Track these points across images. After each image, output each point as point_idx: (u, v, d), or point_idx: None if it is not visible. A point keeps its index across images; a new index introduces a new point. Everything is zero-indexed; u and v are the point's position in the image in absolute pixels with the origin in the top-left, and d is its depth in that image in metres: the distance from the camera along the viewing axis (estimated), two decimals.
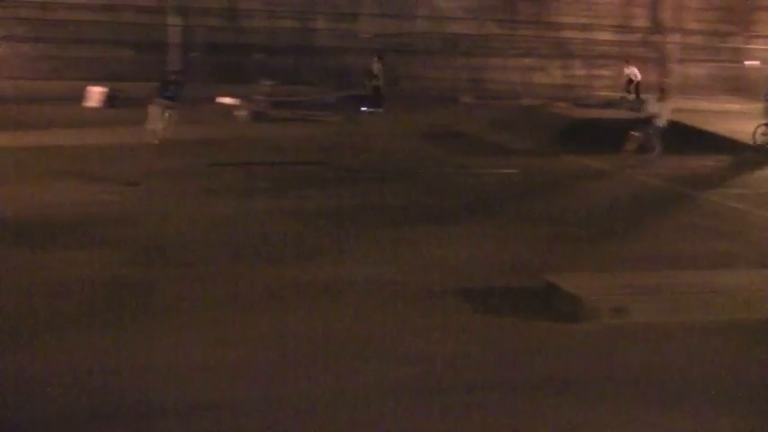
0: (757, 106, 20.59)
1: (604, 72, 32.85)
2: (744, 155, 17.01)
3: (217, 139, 17.18)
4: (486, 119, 21.11)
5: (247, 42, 34.51)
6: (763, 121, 18.11)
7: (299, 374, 5.25)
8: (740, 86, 32.17)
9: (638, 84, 26.43)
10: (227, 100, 23.08)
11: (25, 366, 5.13)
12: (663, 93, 17.51)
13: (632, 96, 25.51)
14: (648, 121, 16.11)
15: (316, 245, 8.74)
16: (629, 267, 8.17)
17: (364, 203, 11.08)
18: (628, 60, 27.91)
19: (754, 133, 17.94)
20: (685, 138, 16.94)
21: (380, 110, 23.90)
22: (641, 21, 33.97)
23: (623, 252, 8.91)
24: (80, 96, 24.28)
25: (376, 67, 25.02)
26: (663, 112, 16.26)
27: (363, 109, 23.99)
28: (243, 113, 21.33)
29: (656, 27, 33.68)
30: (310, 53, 34.58)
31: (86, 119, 20.49)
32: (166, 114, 16.19)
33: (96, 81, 25.67)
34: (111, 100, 24.06)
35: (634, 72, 26.89)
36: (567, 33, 33.20)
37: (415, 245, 8.86)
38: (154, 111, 16.32)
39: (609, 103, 25.19)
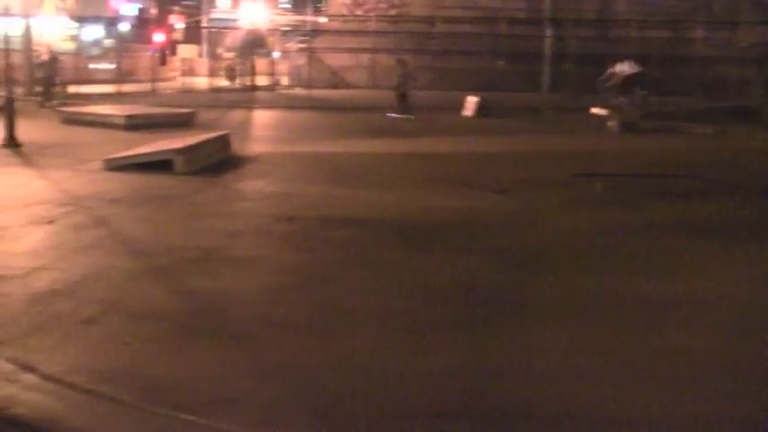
0: None
1: None
2: None
3: (584, 150, 17.25)
4: None
5: (619, 52, 34.13)
6: None
7: (650, 390, 5.18)
8: None
9: None
10: (598, 110, 23.10)
11: (403, 364, 5.45)
12: None
13: None
14: None
15: (671, 259, 8.52)
16: None
17: (727, 219, 10.61)
18: None
19: None
20: None
21: (411, 117, 23.12)
22: None
23: None
24: (458, 106, 25.43)
25: (399, 72, 24.09)
26: None
27: (390, 115, 23.33)
28: (613, 124, 21.23)
29: None
30: (684, 63, 33.49)
31: (461, 127, 21.44)
32: None
33: (471, 91, 26.80)
34: (483, 109, 24.97)
35: None
36: None
37: None
38: None
39: None
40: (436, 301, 6.78)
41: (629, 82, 24.54)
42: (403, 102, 24.01)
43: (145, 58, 39.58)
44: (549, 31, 35.87)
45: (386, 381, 5.11)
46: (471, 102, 25.41)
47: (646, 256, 8.59)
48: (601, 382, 5.20)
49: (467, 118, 24.77)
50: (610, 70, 24.99)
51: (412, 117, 23.34)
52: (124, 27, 45.29)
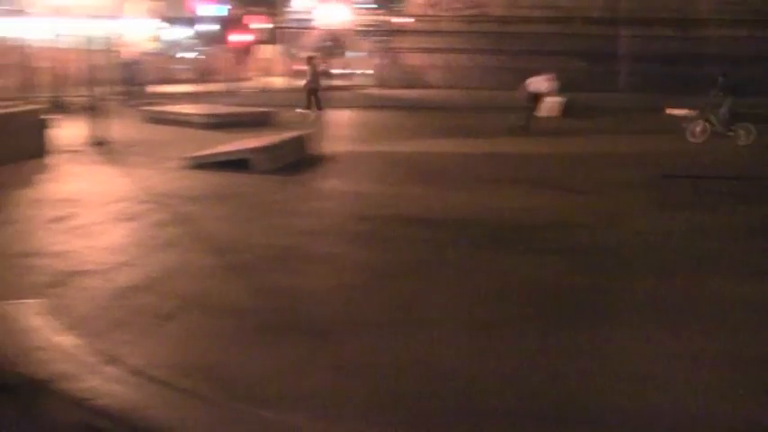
0: None
1: None
2: None
3: (668, 151, 16.95)
4: None
5: (698, 52, 33.50)
6: None
7: (736, 394, 5.04)
8: None
9: None
10: (676, 111, 22.64)
11: (479, 363, 5.43)
12: None
13: None
14: None
15: (758, 263, 8.29)
16: None
17: None
18: None
19: None
20: None
21: (310, 111, 22.98)
22: None
23: None
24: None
25: (309, 70, 24.09)
26: None
27: (297, 110, 23.28)
28: (693, 125, 20.79)
29: None
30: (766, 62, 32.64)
31: (538, 128, 21.19)
32: None
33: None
34: (560, 110, 24.72)
35: None
36: None
37: None
38: None
39: None
40: (514, 302, 6.73)
41: (538, 100, 23.70)
42: (314, 97, 23.91)
43: (225, 58, 40.14)
44: (625, 31, 35.30)
45: (461, 380, 5.09)
46: (548, 102, 25.12)
47: (739, 259, 8.36)
48: (682, 388, 5.09)
49: (543, 118, 24.51)
50: (527, 81, 24.15)
51: (311, 113, 23.14)
52: (206, 28, 45.94)
